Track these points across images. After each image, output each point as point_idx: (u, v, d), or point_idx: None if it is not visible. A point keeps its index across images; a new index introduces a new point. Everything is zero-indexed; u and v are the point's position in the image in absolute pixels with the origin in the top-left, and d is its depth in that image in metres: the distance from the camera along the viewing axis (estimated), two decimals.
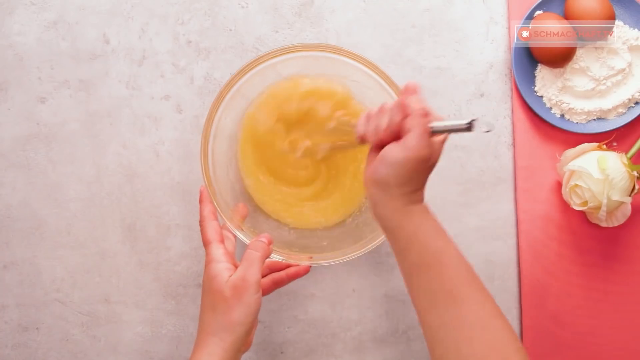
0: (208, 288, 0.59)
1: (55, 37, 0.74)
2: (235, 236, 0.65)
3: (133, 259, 0.74)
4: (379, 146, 0.54)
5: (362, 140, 0.57)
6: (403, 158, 0.51)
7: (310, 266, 0.66)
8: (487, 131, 0.49)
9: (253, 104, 0.69)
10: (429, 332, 0.52)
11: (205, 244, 0.61)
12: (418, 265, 0.53)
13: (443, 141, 0.54)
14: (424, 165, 0.52)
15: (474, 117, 0.49)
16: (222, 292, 0.57)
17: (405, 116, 0.52)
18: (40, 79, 0.74)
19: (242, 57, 0.74)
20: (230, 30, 0.74)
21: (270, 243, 0.62)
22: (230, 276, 0.58)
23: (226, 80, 0.73)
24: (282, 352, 0.74)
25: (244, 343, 0.58)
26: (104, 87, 0.74)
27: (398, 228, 0.53)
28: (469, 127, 0.49)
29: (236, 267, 0.60)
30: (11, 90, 0.74)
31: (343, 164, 0.70)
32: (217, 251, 0.60)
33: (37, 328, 0.74)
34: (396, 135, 0.53)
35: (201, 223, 0.63)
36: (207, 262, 0.60)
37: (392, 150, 0.52)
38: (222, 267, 0.59)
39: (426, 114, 0.52)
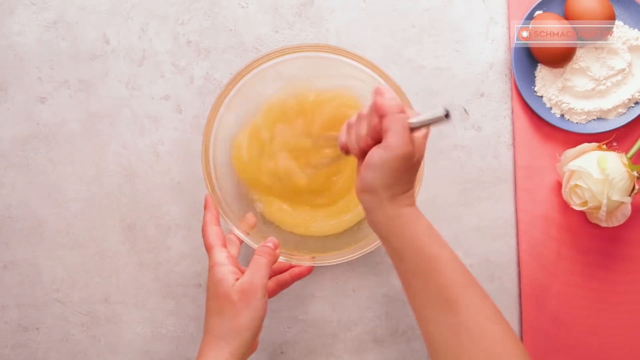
0: (214, 292, 0.59)
1: (55, 37, 0.74)
2: (240, 240, 0.65)
3: (133, 259, 0.74)
4: (364, 153, 0.54)
5: (346, 150, 0.57)
6: (387, 158, 0.51)
7: (313, 266, 0.67)
8: (464, 114, 0.49)
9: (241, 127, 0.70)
10: (429, 339, 0.52)
11: (208, 248, 0.61)
12: (414, 273, 0.52)
13: (425, 136, 0.54)
14: (409, 163, 0.52)
15: (446, 106, 0.48)
16: (229, 296, 0.57)
17: (382, 116, 0.52)
18: (40, 79, 0.74)
19: (242, 57, 0.74)
20: (230, 30, 0.74)
21: (276, 247, 0.62)
22: (237, 280, 0.58)
23: (226, 80, 0.74)
24: (282, 352, 0.74)
25: (250, 347, 0.59)
26: (103, 87, 0.74)
27: (392, 235, 0.53)
28: (446, 116, 0.48)
29: (240, 270, 0.61)
30: (11, 90, 0.74)
31: (348, 172, 0.70)
32: (220, 255, 0.60)
33: (37, 328, 0.74)
34: (378, 139, 0.53)
35: (203, 228, 0.63)
36: (211, 266, 0.60)
37: (375, 153, 0.52)
38: (226, 270, 0.59)
39: (402, 110, 0.51)
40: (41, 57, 0.74)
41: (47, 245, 0.74)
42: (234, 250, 0.64)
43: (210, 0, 0.74)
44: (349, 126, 0.57)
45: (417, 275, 0.52)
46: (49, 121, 0.74)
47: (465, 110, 0.49)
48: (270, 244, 0.61)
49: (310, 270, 0.66)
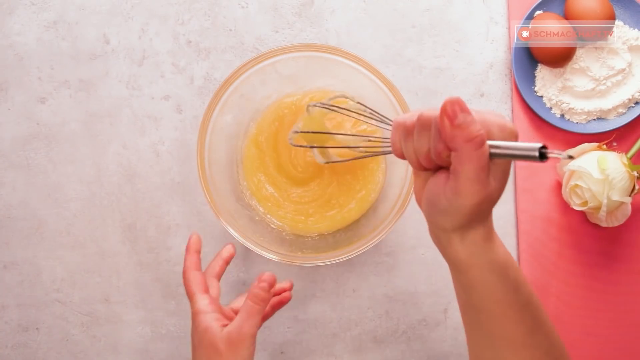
0: (199, 342, 0.57)
1: (55, 37, 0.74)
2: (218, 284, 0.64)
3: (133, 259, 0.74)
4: (425, 168, 0.44)
5: (401, 157, 0.46)
6: (458, 206, 0.41)
7: (291, 295, 0.67)
8: (568, 157, 0.38)
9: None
10: None
11: (189, 295, 0.60)
12: (479, 310, 0.46)
13: (507, 163, 0.42)
14: (484, 207, 0.43)
15: (544, 145, 0.37)
16: (215, 346, 0.56)
17: (451, 149, 0.40)
18: (40, 79, 0.74)
19: (242, 57, 0.74)
20: (230, 30, 0.74)
21: (272, 286, 0.58)
22: (223, 326, 0.57)
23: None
24: (282, 352, 0.74)
25: None
26: (104, 87, 0.74)
27: (464, 272, 0.46)
28: (541, 156, 0.37)
29: (223, 313, 0.59)
30: (11, 90, 0.74)
31: (352, 171, 0.70)
32: (203, 302, 0.59)
33: (37, 328, 0.74)
34: (442, 163, 0.43)
35: (184, 274, 0.62)
36: (195, 314, 0.59)
37: (442, 195, 0.42)
38: (211, 318, 0.58)
39: (480, 144, 0.39)
40: (41, 57, 0.74)
41: (47, 245, 0.74)
42: (214, 291, 0.62)
43: (210, 0, 0.74)
44: (405, 131, 0.44)
45: (482, 313, 0.47)
46: (49, 121, 0.74)
47: (570, 156, 0.38)
48: (264, 284, 0.58)
49: (289, 298, 0.66)
